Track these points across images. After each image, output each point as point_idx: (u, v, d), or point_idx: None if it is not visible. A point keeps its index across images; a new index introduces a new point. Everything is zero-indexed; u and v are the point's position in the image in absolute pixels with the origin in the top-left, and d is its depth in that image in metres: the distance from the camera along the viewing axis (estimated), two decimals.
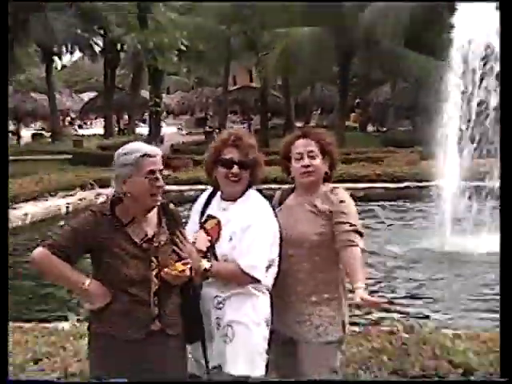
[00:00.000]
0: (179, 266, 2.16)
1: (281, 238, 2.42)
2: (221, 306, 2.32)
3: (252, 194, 2.44)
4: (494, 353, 3.16)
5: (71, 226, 2.22)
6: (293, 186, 2.60)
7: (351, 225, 2.36)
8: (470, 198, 8.71)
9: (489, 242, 7.32)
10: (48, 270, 2.15)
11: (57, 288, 5.52)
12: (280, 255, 2.40)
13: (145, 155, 2.16)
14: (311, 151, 2.48)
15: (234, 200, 2.41)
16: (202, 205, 2.50)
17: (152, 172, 2.17)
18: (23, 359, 3.24)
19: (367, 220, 9.02)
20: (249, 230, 2.31)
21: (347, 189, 2.86)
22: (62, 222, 9.86)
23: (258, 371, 2.28)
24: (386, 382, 2.95)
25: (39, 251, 2.11)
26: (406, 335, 3.54)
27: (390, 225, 9.59)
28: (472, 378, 3.15)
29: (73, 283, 2.17)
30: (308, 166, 2.47)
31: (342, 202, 2.46)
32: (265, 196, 2.48)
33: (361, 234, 2.40)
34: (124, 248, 2.17)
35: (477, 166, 9.33)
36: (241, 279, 2.29)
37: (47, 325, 3.99)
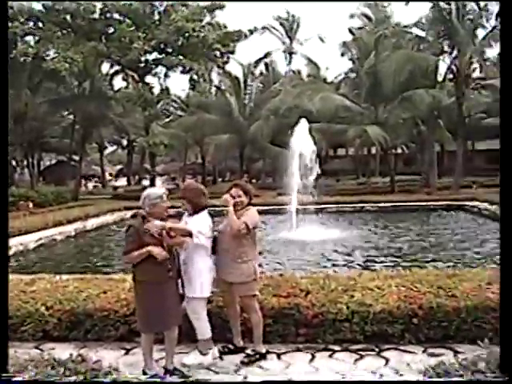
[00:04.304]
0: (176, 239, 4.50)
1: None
2: (188, 266, 4.68)
3: (201, 211, 4.77)
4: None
5: (129, 236, 4.41)
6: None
7: (257, 227, 4.81)
8: (300, 214, 15.15)
9: (313, 235, 13.58)
10: (135, 258, 4.35)
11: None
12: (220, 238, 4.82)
13: (164, 193, 4.53)
14: (239, 194, 4.84)
15: (192, 215, 4.78)
16: (184, 216, 4.86)
17: (165, 202, 4.48)
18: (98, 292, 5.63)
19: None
20: (194, 226, 4.62)
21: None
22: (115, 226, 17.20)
23: (205, 293, 4.72)
24: (385, 382, 3.53)
25: (125, 257, 4.42)
26: (281, 278, 6.03)
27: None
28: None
29: (144, 254, 4.31)
30: (237, 201, 4.82)
31: (256, 214, 4.84)
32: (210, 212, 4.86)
33: (254, 227, 4.79)
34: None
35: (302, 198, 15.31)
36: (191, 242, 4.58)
37: (113, 276, 6.56)
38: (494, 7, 30.36)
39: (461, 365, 3.62)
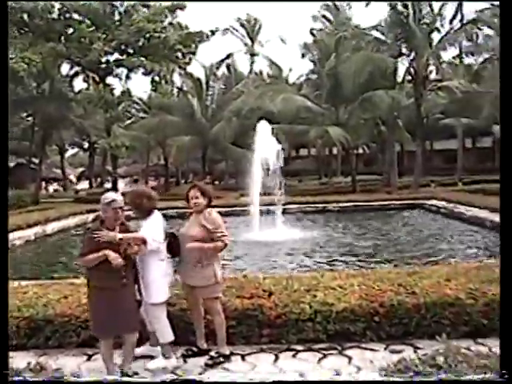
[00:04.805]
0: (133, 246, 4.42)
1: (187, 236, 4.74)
2: (143, 272, 4.65)
3: (152, 215, 4.76)
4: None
5: (86, 239, 4.38)
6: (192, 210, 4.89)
7: (219, 232, 4.70)
8: (263, 214, 15.77)
9: (276, 236, 13.89)
10: (91, 261, 4.29)
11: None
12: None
13: (113, 200, 4.40)
14: (196, 195, 4.81)
15: (144, 218, 4.74)
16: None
17: (115, 208, 4.41)
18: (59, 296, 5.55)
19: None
20: (147, 231, 4.59)
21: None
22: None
23: (161, 298, 4.72)
24: (385, 382, 3.42)
25: (81, 259, 4.38)
26: (244, 279, 6.02)
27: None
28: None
29: (100, 257, 4.24)
30: (195, 202, 4.82)
31: (213, 219, 4.75)
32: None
33: (225, 235, 4.71)
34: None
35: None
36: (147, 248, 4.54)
37: (73, 280, 6.37)
38: (449, 12, 31.26)
39: (420, 360, 3.71)
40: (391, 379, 3.69)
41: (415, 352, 4.72)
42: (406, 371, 3.61)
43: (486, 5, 29.24)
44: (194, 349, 5.03)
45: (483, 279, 5.65)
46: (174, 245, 4.90)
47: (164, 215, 5.04)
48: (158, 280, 4.75)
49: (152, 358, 4.93)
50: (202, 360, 4.86)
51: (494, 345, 4.71)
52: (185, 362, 4.91)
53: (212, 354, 4.90)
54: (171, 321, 4.91)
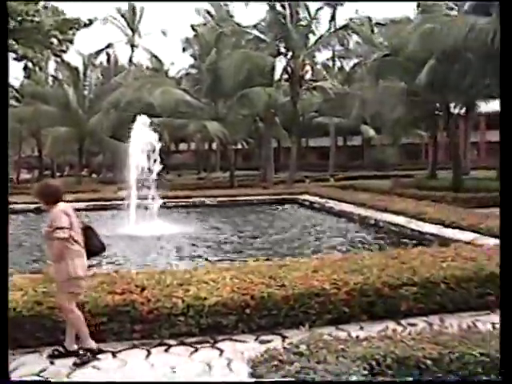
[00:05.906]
0: None
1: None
2: None
3: None
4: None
5: None
6: None
7: (54, 226, 4.61)
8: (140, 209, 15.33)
9: (152, 230, 13.69)
10: None
11: None
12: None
13: None
14: (38, 201, 4.90)
15: None
16: None
17: None
18: None
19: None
20: None
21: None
22: None
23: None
24: (385, 382, 3.30)
25: None
26: (116, 275, 5.93)
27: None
28: None
29: None
30: (40, 206, 5.02)
31: (51, 215, 4.71)
32: None
33: (61, 228, 4.59)
34: None
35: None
36: None
37: None
38: (326, 16, 32.90)
39: (285, 349, 3.87)
40: (259, 370, 3.79)
41: (283, 341, 4.93)
42: (272, 360, 3.75)
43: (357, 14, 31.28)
44: (61, 349, 4.86)
45: (346, 270, 6.03)
46: None
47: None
48: None
49: None
50: (71, 360, 4.71)
51: (353, 329, 5.05)
52: (52, 363, 4.73)
53: (80, 351, 4.77)
54: (40, 320, 4.84)
